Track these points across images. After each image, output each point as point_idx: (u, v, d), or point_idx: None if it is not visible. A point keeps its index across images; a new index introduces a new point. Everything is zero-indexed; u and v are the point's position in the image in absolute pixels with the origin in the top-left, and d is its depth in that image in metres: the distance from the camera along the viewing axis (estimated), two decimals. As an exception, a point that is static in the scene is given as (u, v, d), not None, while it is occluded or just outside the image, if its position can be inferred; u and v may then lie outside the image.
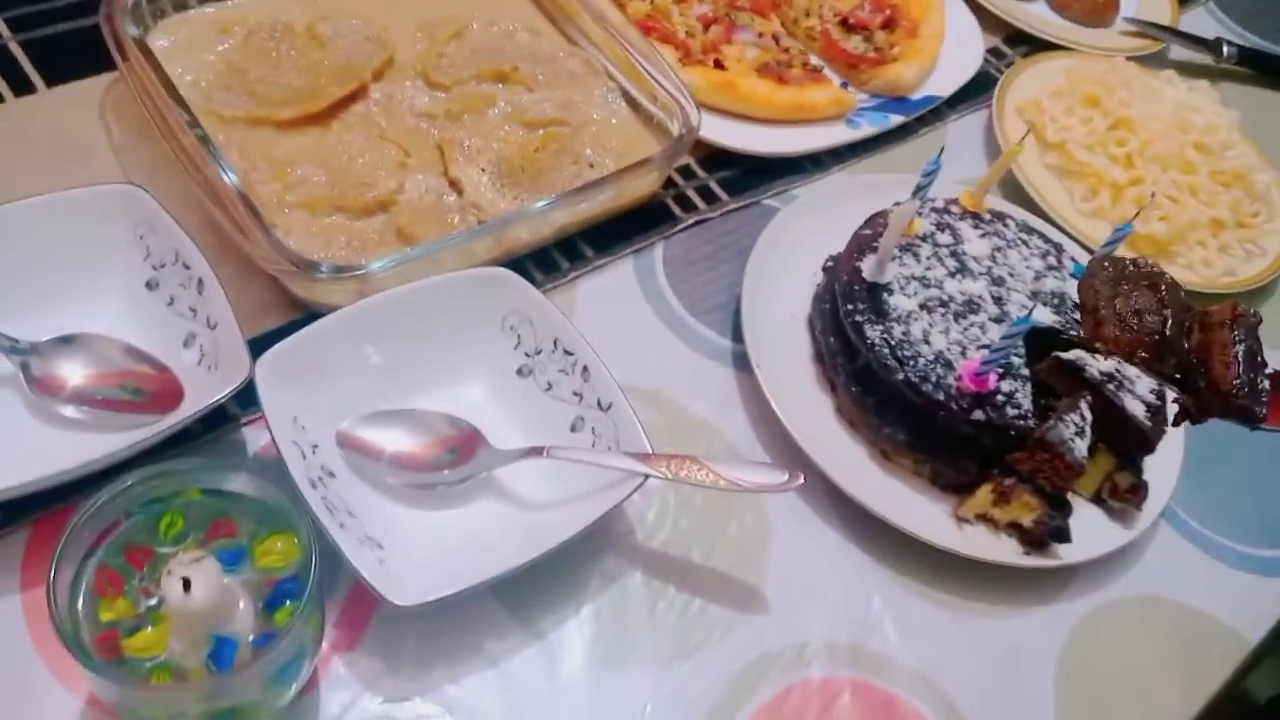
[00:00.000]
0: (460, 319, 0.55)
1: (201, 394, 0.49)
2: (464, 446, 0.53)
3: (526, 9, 0.73)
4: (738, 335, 0.61)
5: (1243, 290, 0.72)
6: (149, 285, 0.54)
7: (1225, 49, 0.90)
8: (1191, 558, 0.61)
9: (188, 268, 0.52)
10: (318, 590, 0.42)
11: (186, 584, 0.39)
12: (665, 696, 0.49)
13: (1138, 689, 0.55)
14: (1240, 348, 0.52)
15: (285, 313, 0.57)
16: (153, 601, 0.41)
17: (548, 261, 0.63)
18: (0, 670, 0.44)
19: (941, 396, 0.55)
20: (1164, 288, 0.56)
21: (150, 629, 0.40)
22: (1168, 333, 0.53)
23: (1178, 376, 0.54)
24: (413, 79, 0.67)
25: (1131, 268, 0.57)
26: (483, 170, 0.63)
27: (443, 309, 0.55)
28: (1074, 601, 0.57)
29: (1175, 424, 0.53)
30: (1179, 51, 0.91)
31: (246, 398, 0.49)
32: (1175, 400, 0.53)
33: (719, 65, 0.73)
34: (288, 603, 0.42)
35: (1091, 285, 0.56)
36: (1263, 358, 0.53)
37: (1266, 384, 0.51)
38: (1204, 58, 0.91)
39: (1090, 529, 0.58)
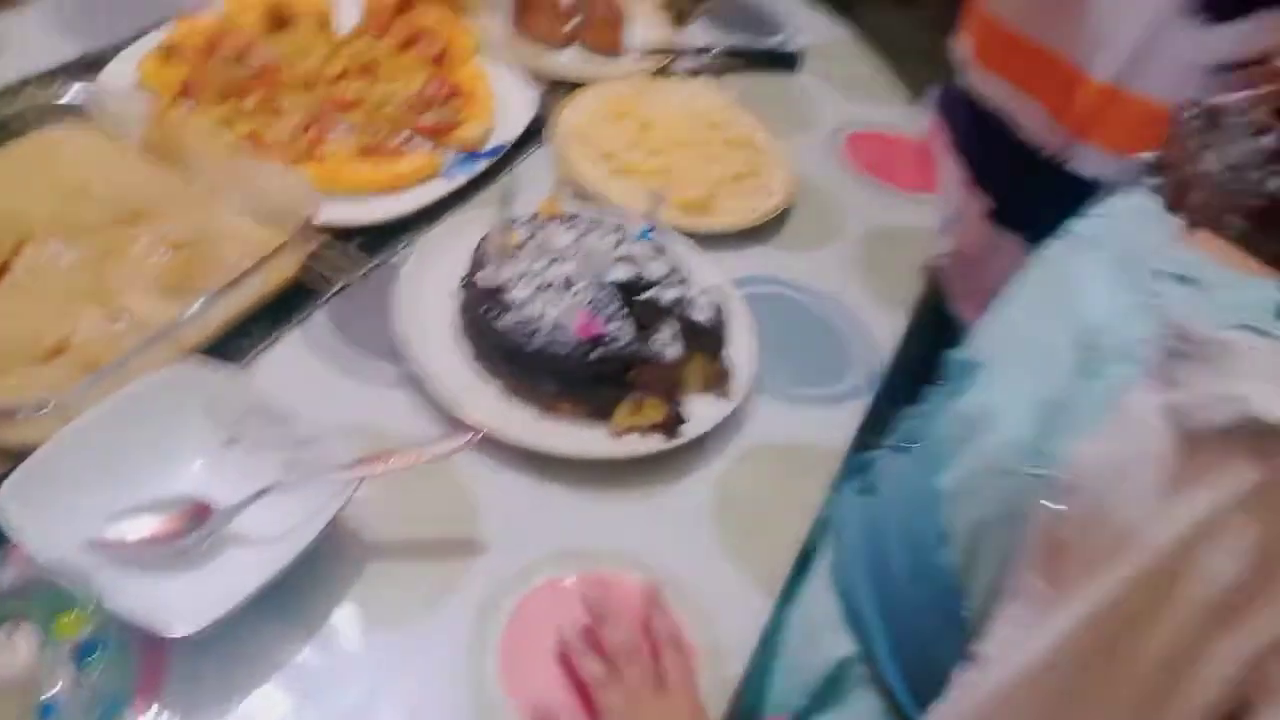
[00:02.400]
0: (164, 412, 0.65)
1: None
2: (199, 514, 0.63)
3: (139, 157, 0.84)
4: (405, 361, 0.75)
5: (770, 219, 0.95)
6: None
7: (714, 51, 1.16)
8: (783, 409, 0.81)
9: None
10: (115, 643, 0.51)
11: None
12: (431, 644, 0.62)
13: (771, 511, 0.74)
14: None
15: None
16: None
17: (227, 348, 0.74)
18: None
19: (567, 350, 0.72)
20: (1273, 137, 0.42)
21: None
22: (1275, 193, 0.42)
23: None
24: (56, 238, 0.76)
25: (1230, 113, 0.42)
26: (145, 293, 0.73)
27: (146, 409, 0.64)
28: (710, 464, 0.76)
29: None
30: (684, 60, 1.15)
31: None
32: None
33: (323, 160, 0.87)
34: (93, 656, 0.51)
35: (1174, 138, 0.46)
36: None
37: None
38: (702, 60, 1.15)
39: (708, 410, 0.76)
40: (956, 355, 0.64)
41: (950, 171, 0.97)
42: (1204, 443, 0.40)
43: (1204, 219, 0.41)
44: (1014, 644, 0.46)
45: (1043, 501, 0.46)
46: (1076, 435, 0.47)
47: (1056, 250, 0.62)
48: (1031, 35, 0.85)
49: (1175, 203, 0.42)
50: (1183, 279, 0.49)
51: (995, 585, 0.51)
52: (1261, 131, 0.38)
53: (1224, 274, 0.48)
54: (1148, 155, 0.55)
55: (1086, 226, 0.61)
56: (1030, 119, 0.86)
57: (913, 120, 1.16)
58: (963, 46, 0.95)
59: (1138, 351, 0.47)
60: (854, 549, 0.67)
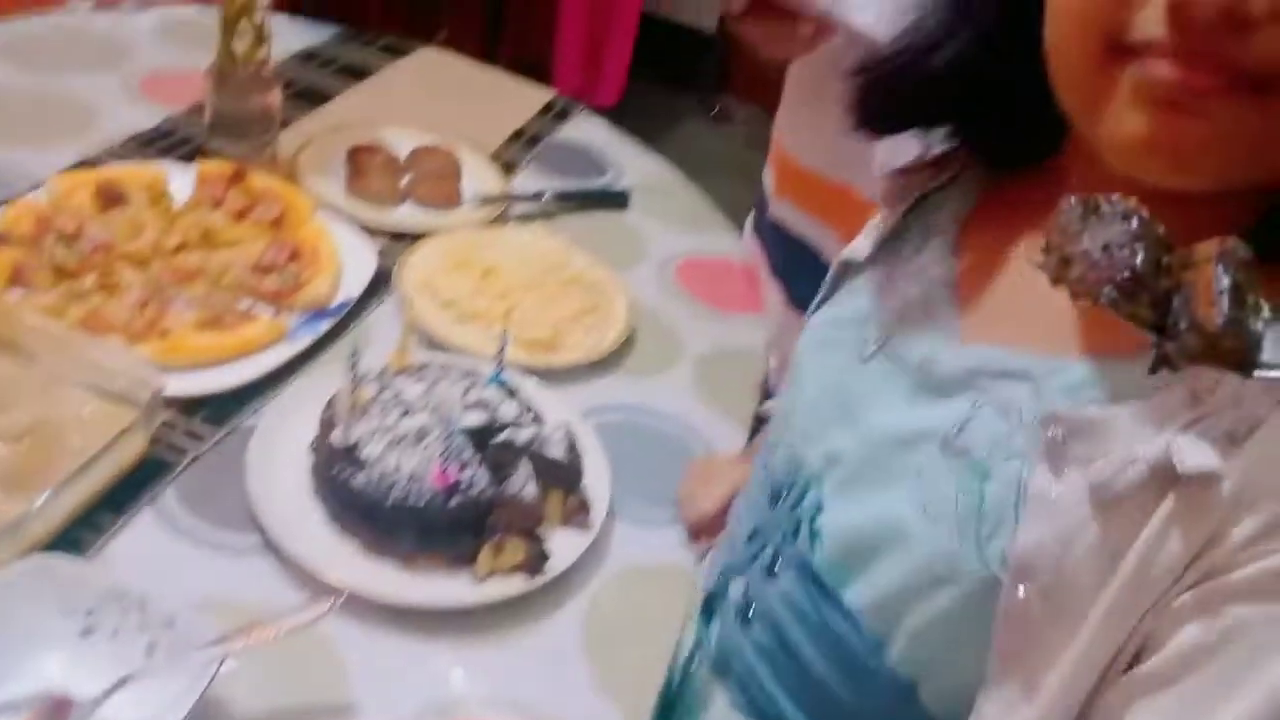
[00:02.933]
0: (13, 611, 0.63)
1: None
2: (60, 709, 0.61)
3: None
4: (261, 529, 0.75)
5: (614, 349, 1.00)
6: None
7: (546, 196, 1.22)
8: (642, 533, 0.84)
9: None
10: None
11: None
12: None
13: (642, 639, 0.76)
14: (1226, 281, 0.43)
15: None
16: None
17: (77, 535, 0.72)
18: None
19: (424, 502, 0.74)
20: (1137, 221, 0.47)
21: None
22: (1139, 267, 0.46)
23: (1154, 320, 0.46)
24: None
25: (1104, 204, 0.48)
26: (-16, 489, 0.71)
27: (-7, 610, 0.63)
28: (577, 598, 0.78)
29: (1153, 371, 0.46)
30: (518, 207, 1.21)
31: None
32: (1154, 345, 0.46)
33: (165, 335, 0.87)
34: None
35: (1057, 226, 0.49)
36: (1256, 297, 0.44)
37: (1261, 326, 0.43)
38: (535, 206, 1.21)
39: (569, 544, 0.79)
40: (783, 465, 0.65)
41: (771, 293, 1.05)
42: (1123, 503, 0.46)
43: (1082, 290, 0.47)
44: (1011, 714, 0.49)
45: (1003, 593, 0.49)
46: (1005, 533, 0.50)
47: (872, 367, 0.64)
48: (823, 171, 0.94)
49: (1057, 279, 0.48)
50: (1004, 374, 0.53)
51: (958, 673, 0.53)
52: (1127, 217, 0.45)
53: (1036, 362, 0.53)
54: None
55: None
56: (831, 247, 0.95)
57: (737, 245, 1.24)
58: (767, 179, 1.04)
59: (1014, 445, 0.51)
60: (761, 678, 0.64)
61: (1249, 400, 0.45)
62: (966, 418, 0.54)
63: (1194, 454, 0.44)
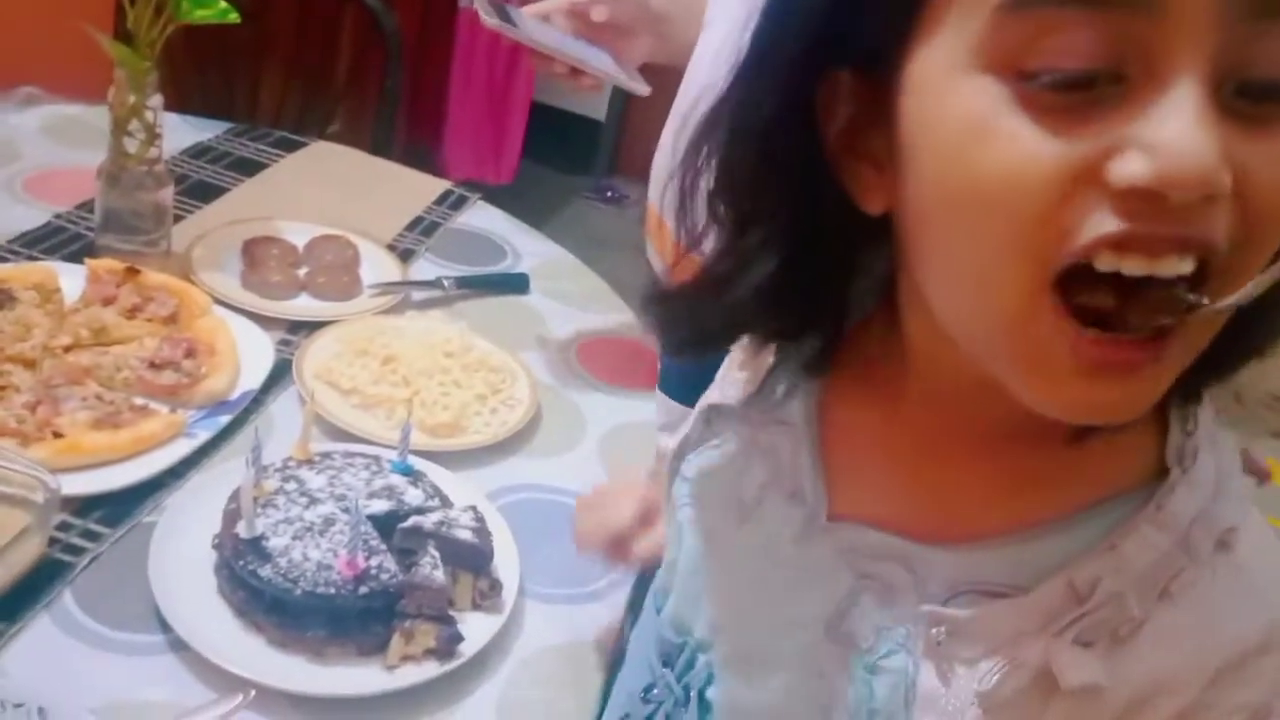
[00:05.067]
0: (-100, 729, 0.61)
1: None
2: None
3: None
4: (166, 627, 0.74)
5: (518, 430, 1.02)
6: None
7: (445, 282, 1.24)
8: (552, 612, 0.85)
9: None
10: None
11: None
12: None
13: (554, 713, 0.77)
14: None
15: None
16: None
17: (-35, 651, 0.70)
18: None
19: (334, 590, 0.74)
20: None
21: None
22: None
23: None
24: None
25: None
26: None
27: (-122, 729, 0.60)
28: (491, 681, 0.78)
29: None
30: (417, 293, 1.23)
31: None
32: None
33: (58, 435, 0.86)
34: None
35: None
36: None
37: None
38: (435, 292, 1.23)
39: (481, 627, 0.80)
40: (671, 625, 0.61)
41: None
42: (1009, 709, 0.46)
43: None
44: None
45: None
46: None
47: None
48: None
49: None
50: (882, 556, 0.51)
51: None
52: None
53: (914, 548, 0.50)
54: None
55: None
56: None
57: (633, 323, 1.28)
58: (653, 255, 1.07)
59: (897, 636, 0.50)
60: None
61: (1131, 597, 0.44)
62: (848, 603, 0.52)
63: (1075, 669, 0.44)
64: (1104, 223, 0.36)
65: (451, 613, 0.78)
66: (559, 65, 1.03)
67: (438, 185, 1.51)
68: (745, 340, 0.56)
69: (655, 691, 0.62)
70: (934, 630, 0.47)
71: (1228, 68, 0.36)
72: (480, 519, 0.83)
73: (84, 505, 0.83)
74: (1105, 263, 0.37)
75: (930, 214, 0.42)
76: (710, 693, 0.58)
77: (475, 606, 0.81)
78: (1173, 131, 0.35)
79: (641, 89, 1.08)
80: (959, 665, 0.47)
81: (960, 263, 0.41)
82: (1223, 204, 0.36)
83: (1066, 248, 0.37)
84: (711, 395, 0.62)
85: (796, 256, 0.47)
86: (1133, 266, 0.37)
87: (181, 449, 0.90)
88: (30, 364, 0.93)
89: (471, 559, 0.81)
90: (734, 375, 0.60)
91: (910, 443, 0.52)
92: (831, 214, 0.46)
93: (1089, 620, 0.44)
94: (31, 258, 1.11)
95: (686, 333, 0.54)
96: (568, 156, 3.47)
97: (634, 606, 0.83)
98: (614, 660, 0.83)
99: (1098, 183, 0.36)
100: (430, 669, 0.76)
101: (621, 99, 3.42)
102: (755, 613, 0.56)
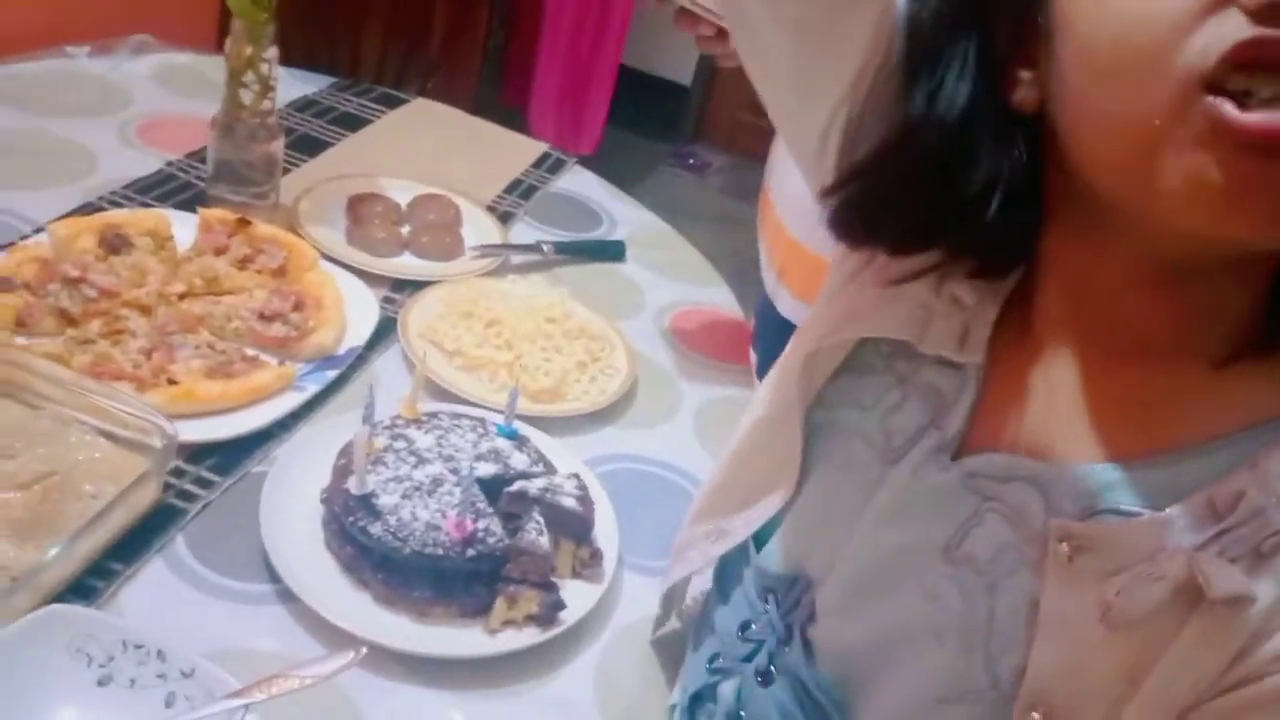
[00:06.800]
0: (26, 663, 0.62)
1: None
2: (76, 763, 0.61)
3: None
4: (274, 578, 0.75)
5: (618, 399, 1.02)
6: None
7: (544, 247, 1.24)
8: (650, 583, 0.85)
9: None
10: None
11: None
12: None
13: (652, 691, 0.77)
14: None
15: None
16: None
17: (89, 585, 0.72)
18: None
19: (441, 551, 0.74)
20: None
21: None
22: None
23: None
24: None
25: None
26: (-3, 537, 0.70)
27: (6, 662, 0.62)
28: (589, 649, 0.78)
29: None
30: (516, 256, 1.22)
31: None
32: None
33: (172, 382, 0.87)
34: None
35: None
36: None
37: None
38: (534, 256, 1.23)
39: (581, 595, 0.79)
40: (779, 560, 0.62)
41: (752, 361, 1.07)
42: (1143, 625, 0.45)
43: None
44: None
45: (1015, 717, 0.48)
46: (1014, 651, 0.48)
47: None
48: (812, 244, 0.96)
49: None
50: (1011, 478, 0.51)
51: None
52: None
53: (1044, 468, 0.50)
54: None
55: None
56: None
57: (726, 296, 1.27)
58: (769, 271, 1.06)
59: (1022, 556, 0.49)
60: None
61: (1275, 512, 0.44)
62: (971, 524, 0.52)
63: (1223, 578, 0.43)
64: (1239, 30, 0.39)
65: (554, 580, 0.78)
66: (705, 27, 0.94)
67: (536, 148, 1.50)
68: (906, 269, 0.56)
69: (755, 629, 0.62)
70: (1063, 545, 0.47)
71: None
72: (583, 487, 0.82)
73: (197, 453, 0.84)
74: (1236, 84, 0.39)
75: (1082, 69, 0.45)
76: (813, 631, 0.58)
77: (575, 574, 0.81)
78: None
79: None
80: (1086, 581, 0.46)
81: (1112, 101, 0.43)
82: None
83: (1204, 64, 0.39)
84: (863, 329, 0.59)
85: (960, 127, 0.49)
86: (1263, 85, 0.39)
87: (290, 401, 0.91)
88: (146, 310, 0.95)
89: (575, 527, 0.80)
90: (886, 310, 0.58)
91: (1053, 367, 0.52)
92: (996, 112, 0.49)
93: (1232, 536, 0.44)
94: (144, 204, 1.13)
95: (856, 218, 0.55)
96: (652, 121, 3.44)
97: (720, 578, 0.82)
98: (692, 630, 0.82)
99: (1231, 2, 0.39)
100: (530, 635, 0.76)
101: (709, 64, 3.38)
102: (875, 541, 0.56)
